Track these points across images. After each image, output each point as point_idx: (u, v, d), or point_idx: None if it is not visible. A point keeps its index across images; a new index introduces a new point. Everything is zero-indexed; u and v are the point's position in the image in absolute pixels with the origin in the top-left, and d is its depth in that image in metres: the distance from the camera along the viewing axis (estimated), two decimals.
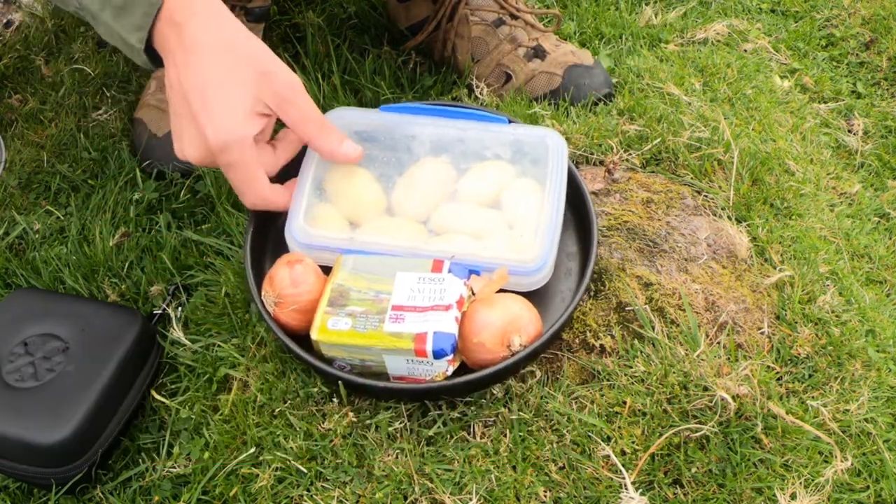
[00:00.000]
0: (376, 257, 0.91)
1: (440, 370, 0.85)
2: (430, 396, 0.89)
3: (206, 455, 0.90)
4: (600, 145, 1.12)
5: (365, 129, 0.98)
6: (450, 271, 0.88)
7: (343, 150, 0.91)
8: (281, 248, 1.02)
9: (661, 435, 0.86)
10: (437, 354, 0.82)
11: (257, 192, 0.89)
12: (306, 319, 0.89)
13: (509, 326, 0.85)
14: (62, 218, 1.17)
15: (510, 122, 1.00)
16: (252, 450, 0.88)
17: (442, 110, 1.00)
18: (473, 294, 0.90)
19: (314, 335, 0.85)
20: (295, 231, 0.92)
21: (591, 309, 0.96)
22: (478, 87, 1.23)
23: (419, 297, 0.86)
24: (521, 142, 0.97)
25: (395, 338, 0.83)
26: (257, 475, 0.87)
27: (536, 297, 0.91)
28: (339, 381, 0.87)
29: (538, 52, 1.23)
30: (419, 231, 0.94)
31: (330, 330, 0.85)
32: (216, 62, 0.83)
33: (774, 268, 1.03)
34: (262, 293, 0.90)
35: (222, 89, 0.83)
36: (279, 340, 0.89)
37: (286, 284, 0.88)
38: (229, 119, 0.83)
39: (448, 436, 0.88)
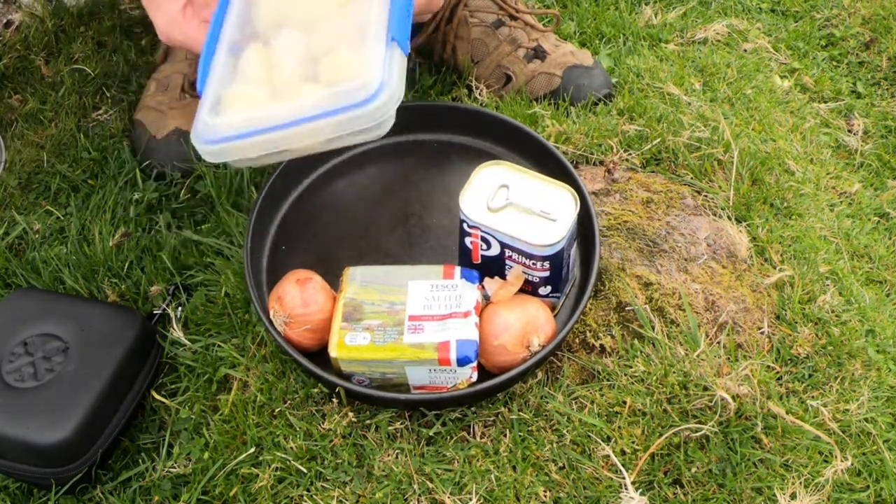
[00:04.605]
0: (382, 268, 0.91)
1: (464, 377, 0.84)
2: (464, 403, 0.89)
3: (206, 455, 0.89)
4: (600, 145, 1.12)
5: None
6: (462, 276, 0.88)
7: None
8: (281, 246, 1.02)
9: (661, 435, 0.86)
10: (462, 362, 0.82)
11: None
12: (318, 338, 0.88)
13: (528, 327, 0.86)
14: (62, 218, 1.17)
15: None
16: (252, 450, 0.88)
17: None
18: (486, 297, 0.90)
19: (333, 353, 0.84)
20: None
21: (591, 309, 0.96)
22: (477, 87, 1.23)
23: (435, 305, 0.86)
24: None
25: (417, 349, 0.83)
26: (257, 475, 0.87)
27: None
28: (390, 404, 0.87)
29: (538, 53, 1.23)
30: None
31: (349, 346, 0.84)
32: None
33: (774, 268, 1.03)
34: (271, 312, 0.89)
35: None
36: (300, 365, 0.87)
37: (297, 304, 0.87)
38: None
39: (448, 436, 0.88)
